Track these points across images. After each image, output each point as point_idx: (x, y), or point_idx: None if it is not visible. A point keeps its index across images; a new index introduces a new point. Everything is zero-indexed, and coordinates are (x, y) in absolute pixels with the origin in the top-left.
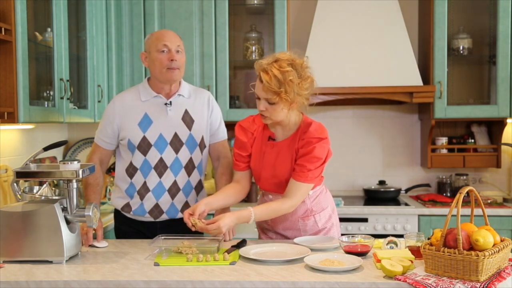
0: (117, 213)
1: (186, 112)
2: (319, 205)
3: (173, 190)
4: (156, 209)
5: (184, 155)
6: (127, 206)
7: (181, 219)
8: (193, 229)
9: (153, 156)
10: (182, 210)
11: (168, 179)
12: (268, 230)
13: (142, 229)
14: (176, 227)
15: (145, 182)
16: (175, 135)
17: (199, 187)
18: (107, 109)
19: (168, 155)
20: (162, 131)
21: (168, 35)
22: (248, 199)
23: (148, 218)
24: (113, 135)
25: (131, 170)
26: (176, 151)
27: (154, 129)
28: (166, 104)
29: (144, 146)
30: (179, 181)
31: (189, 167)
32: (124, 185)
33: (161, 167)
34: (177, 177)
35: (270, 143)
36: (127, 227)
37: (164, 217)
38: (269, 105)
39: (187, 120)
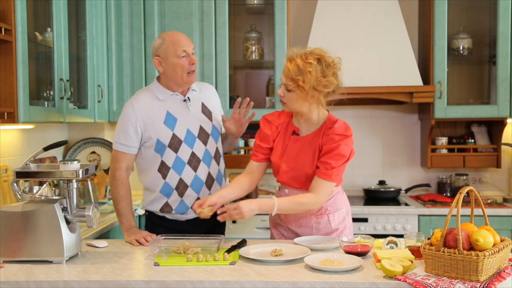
0: (150, 217)
1: (203, 105)
2: (334, 205)
3: (209, 181)
4: None
5: (211, 145)
6: (167, 206)
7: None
8: (201, 216)
9: (184, 152)
10: None
11: (203, 171)
12: (280, 225)
13: (185, 227)
14: (214, 220)
15: (181, 179)
16: (201, 128)
17: (225, 174)
18: (126, 115)
19: (199, 148)
20: (188, 126)
21: (183, 39)
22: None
23: (190, 214)
24: (137, 139)
25: (164, 170)
26: (205, 143)
27: (180, 126)
28: (185, 100)
29: (175, 144)
30: (212, 171)
31: (217, 156)
32: (157, 186)
33: (194, 161)
34: (210, 168)
35: (294, 137)
36: (164, 230)
37: None
38: (286, 91)
39: (206, 112)
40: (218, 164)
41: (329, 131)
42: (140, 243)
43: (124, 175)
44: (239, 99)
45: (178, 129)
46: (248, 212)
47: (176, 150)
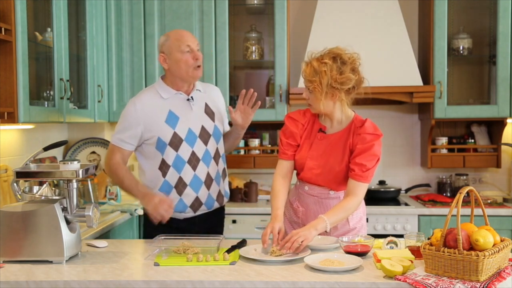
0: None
1: (206, 105)
2: None
3: (208, 181)
4: (196, 202)
5: (212, 146)
6: None
7: (217, 209)
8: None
9: (185, 151)
10: (218, 200)
11: (202, 171)
12: (296, 223)
13: (184, 226)
14: (212, 219)
15: (180, 178)
16: (203, 128)
17: (224, 174)
18: (127, 112)
19: (199, 148)
20: (190, 125)
21: (187, 35)
22: (248, 199)
23: (188, 213)
24: (136, 137)
25: (164, 168)
26: (205, 143)
27: (182, 125)
28: (188, 99)
29: (176, 142)
30: (211, 171)
31: (217, 156)
32: (156, 185)
33: (194, 161)
34: (209, 168)
35: (320, 135)
36: (163, 227)
37: (203, 209)
38: (309, 93)
39: (209, 112)
40: (217, 164)
41: (359, 130)
42: (160, 221)
43: (118, 161)
44: (243, 91)
45: (179, 127)
46: (313, 237)
47: (176, 148)
